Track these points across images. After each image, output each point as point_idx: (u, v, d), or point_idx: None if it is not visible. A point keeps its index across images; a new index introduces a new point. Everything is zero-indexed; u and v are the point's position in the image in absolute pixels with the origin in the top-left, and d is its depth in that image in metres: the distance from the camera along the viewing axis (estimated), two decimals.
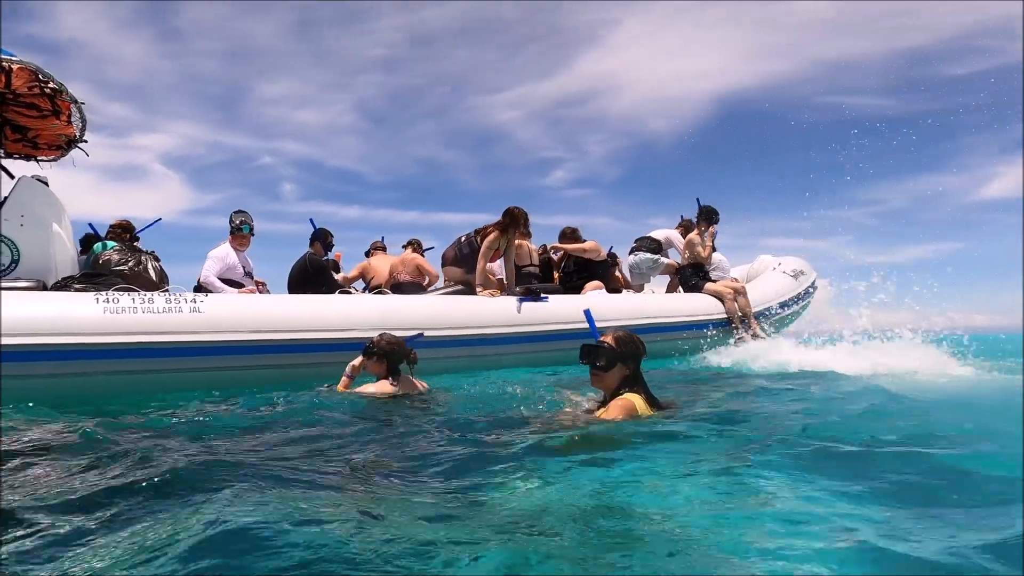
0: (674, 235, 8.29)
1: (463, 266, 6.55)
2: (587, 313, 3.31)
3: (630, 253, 8.21)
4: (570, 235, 7.59)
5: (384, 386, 3.78)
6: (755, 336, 7.32)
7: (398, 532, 1.44)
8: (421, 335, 4.48)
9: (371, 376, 3.92)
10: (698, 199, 7.84)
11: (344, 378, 3.97)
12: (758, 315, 7.61)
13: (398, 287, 6.70)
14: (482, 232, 6.47)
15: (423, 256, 7.25)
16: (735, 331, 7.25)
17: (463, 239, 6.64)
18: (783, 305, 8.07)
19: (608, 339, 2.95)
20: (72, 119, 5.60)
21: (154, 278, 5.06)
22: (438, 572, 1.23)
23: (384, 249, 7.89)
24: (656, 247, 8.10)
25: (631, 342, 2.97)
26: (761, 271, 9.05)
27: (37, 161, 6.35)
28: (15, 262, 4.40)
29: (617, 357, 2.91)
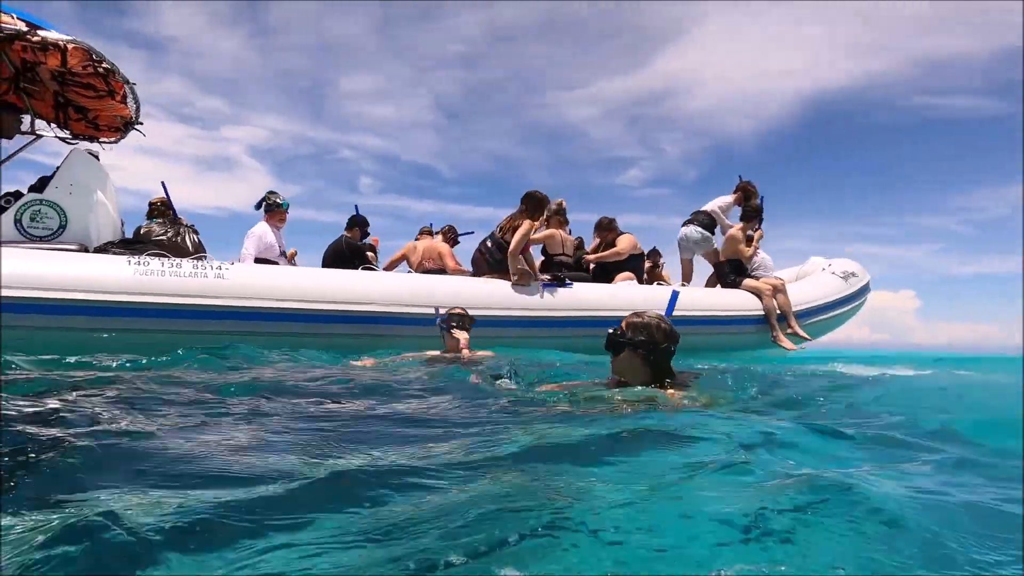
0: (723, 203, 7.81)
1: (497, 270, 6.15)
2: (673, 294, 3.22)
3: (683, 224, 8.00)
4: (606, 226, 7.49)
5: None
6: (794, 336, 7.03)
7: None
8: (438, 311, 4.58)
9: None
10: (740, 176, 7.58)
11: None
12: (800, 315, 7.30)
13: (425, 273, 6.80)
14: (506, 227, 6.17)
15: (455, 243, 7.36)
16: (772, 330, 6.98)
17: (488, 243, 6.33)
18: (829, 306, 7.71)
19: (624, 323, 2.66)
20: (127, 100, 5.99)
21: (190, 248, 5.32)
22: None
23: (431, 234, 8.03)
24: (709, 222, 7.81)
25: (644, 327, 2.62)
26: (811, 272, 8.69)
27: (100, 143, 6.85)
28: (63, 227, 4.72)
29: (625, 343, 2.60)
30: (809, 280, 8.10)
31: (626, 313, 2.75)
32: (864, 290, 8.39)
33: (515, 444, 1.84)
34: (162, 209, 6.78)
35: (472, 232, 7.74)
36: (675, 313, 6.31)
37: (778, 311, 7.03)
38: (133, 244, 4.86)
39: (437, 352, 4.35)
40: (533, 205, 6.07)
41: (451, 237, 7.57)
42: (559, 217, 6.73)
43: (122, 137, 6.73)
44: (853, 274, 8.38)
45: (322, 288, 4.82)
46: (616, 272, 7.03)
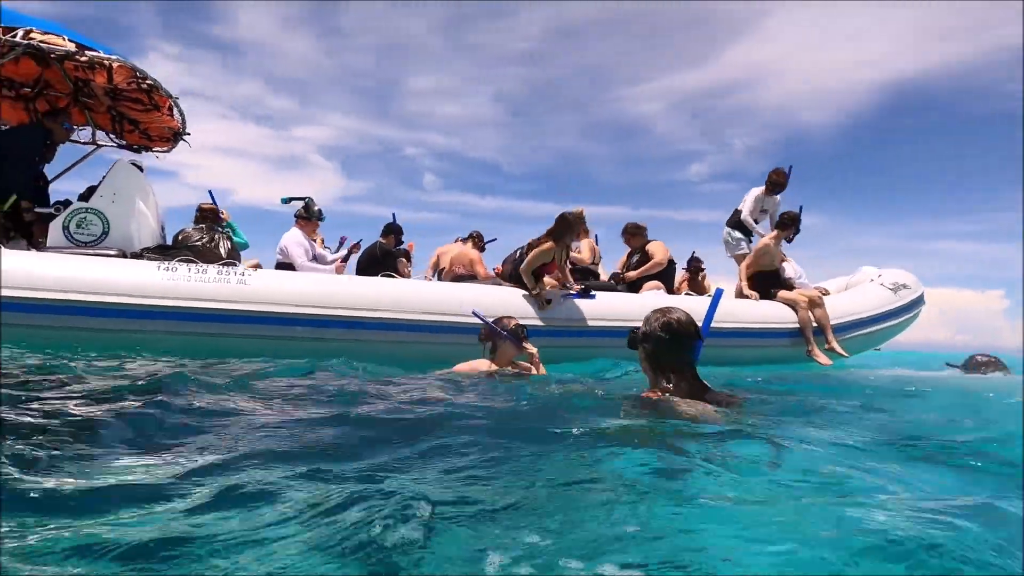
0: (755, 197, 7.49)
1: (515, 283, 6.04)
2: (717, 292, 3.07)
3: (727, 224, 7.84)
4: (635, 231, 7.39)
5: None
6: (831, 351, 6.73)
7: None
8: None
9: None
10: (785, 168, 7.31)
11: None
12: (839, 329, 6.98)
13: (455, 279, 6.90)
14: (533, 244, 5.90)
15: (483, 250, 7.43)
16: (807, 343, 6.71)
17: (517, 254, 6.20)
18: (872, 320, 7.33)
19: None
20: (173, 112, 6.37)
21: (223, 254, 5.60)
22: None
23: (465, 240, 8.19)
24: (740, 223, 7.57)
25: (650, 319, 2.48)
26: (860, 283, 8.29)
27: (153, 151, 7.31)
28: (105, 233, 5.06)
29: (636, 339, 2.49)
30: (854, 291, 7.73)
31: None
32: (916, 303, 7.94)
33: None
34: (206, 215, 7.17)
35: (495, 239, 7.81)
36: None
37: (815, 324, 6.75)
38: (168, 250, 5.16)
39: (488, 363, 4.07)
40: (564, 227, 5.81)
41: (480, 244, 7.66)
42: (582, 226, 6.69)
43: (173, 147, 7.18)
44: (904, 286, 7.94)
45: (337, 294, 4.98)
46: (643, 282, 6.93)
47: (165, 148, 7.20)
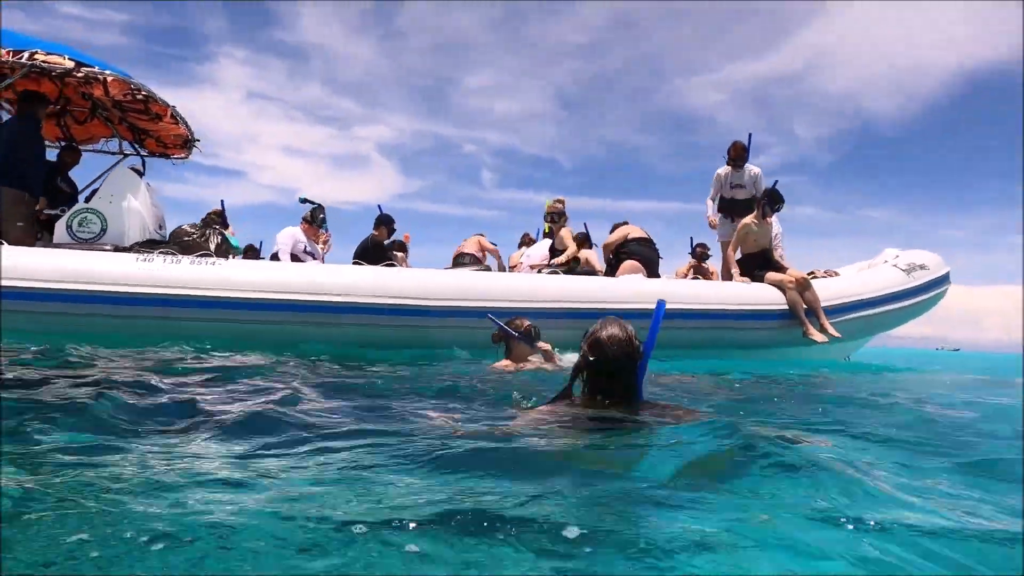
0: (713, 178, 7.30)
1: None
2: (659, 304, 2.21)
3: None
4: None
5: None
6: (823, 333, 6.47)
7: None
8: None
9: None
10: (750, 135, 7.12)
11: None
12: (834, 311, 6.69)
13: (455, 260, 7.33)
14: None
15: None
16: (802, 324, 6.47)
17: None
18: (875, 302, 6.96)
19: None
20: (178, 121, 6.94)
21: (211, 249, 6.08)
22: None
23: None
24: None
25: (586, 331, 2.23)
26: (875, 265, 7.88)
27: (171, 159, 7.97)
28: (103, 230, 5.64)
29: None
30: (855, 273, 7.37)
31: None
32: (934, 284, 7.45)
33: None
34: (213, 219, 7.73)
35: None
36: (679, 306, 6.06)
37: (803, 306, 6.51)
38: (156, 244, 5.68)
39: (507, 362, 4.38)
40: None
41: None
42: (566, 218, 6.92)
43: (188, 154, 7.81)
44: (921, 267, 7.48)
45: (299, 281, 5.33)
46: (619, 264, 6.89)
47: (183, 155, 7.84)
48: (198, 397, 2.61)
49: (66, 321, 4.89)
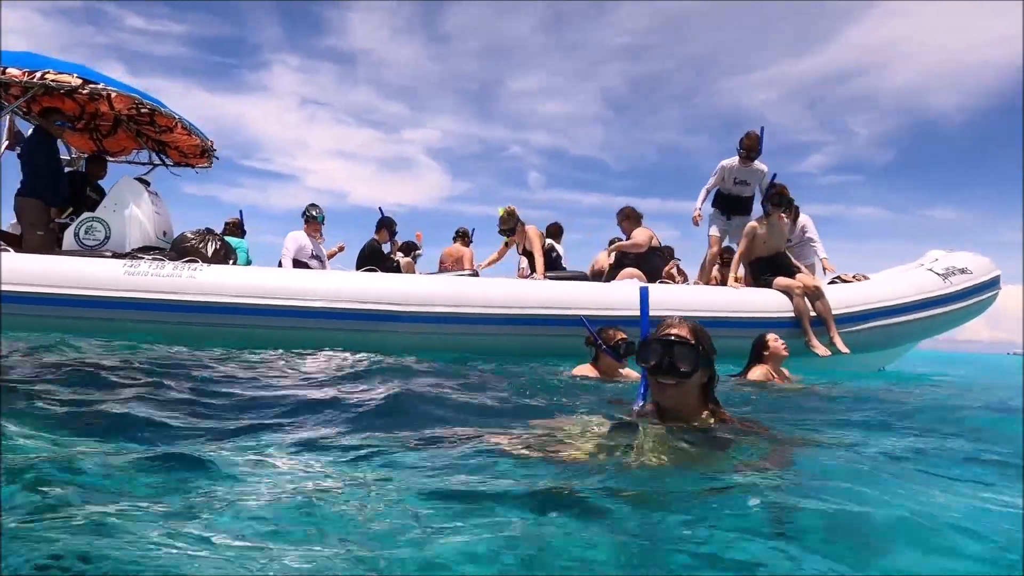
0: (717, 168, 6.81)
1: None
2: (642, 292, 2.22)
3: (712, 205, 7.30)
4: (632, 215, 7.10)
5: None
6: (832, 345, 5.96)
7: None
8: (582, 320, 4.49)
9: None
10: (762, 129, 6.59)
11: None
12: (856, 317, 6.16)
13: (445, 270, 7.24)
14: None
15: (469, 243, 7.60)
16: (805, 334, 5.99)
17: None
18: (904, 309, 6.34)
19: (678, 330, 1.93)
20: (191, 131, 7.26)
21: (208, 255, 6.31)
22: None
23: (464, 236, 8.43)
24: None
25: (697, 331, 1.96)
26: (910, 269, 7.20)
27: (193, 167, 8.35)
28: (107, 238, 5.97)
29: (699, 356, 1.88)
30: (880, 278, 6.75)
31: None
32: (976, 290, 6.72)
33: None
34: (232, 228, 8.03)
35: (474, 229, 8.07)
36: (681, 314, 5.76)
37: (811, 314, 6.02)
38: (151, 250, 5.96)
39: (591, 367, 4.20)
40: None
41: (467, 240, 7.82)
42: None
43: (210, 163, 8.16)
44: (962, 270, 6.77)
45: (269, 286, 5.46)
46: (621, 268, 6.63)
47: (205, 164, 8.20)
48: (198, 397, 2.68)
49: (59, 323, 5.21)
